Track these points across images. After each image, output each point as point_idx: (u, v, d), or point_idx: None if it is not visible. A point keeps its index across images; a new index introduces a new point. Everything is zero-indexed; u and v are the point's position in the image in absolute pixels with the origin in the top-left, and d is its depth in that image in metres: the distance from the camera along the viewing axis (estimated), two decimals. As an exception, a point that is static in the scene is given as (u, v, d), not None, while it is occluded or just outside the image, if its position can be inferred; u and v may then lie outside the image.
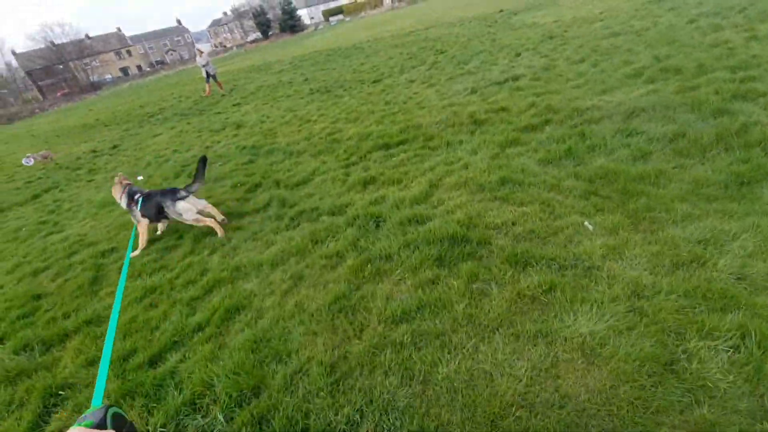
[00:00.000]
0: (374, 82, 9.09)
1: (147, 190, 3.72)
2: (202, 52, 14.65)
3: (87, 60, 60.59)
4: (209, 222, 3.48)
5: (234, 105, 11.56)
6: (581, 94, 4.69)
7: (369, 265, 2.47)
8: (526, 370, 1.59)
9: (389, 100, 7.03)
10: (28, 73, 57.22)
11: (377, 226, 2.94)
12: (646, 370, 1.49)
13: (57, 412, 2.03)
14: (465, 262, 2.27)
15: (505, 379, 1.58)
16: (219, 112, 10.99)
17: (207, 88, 14.47)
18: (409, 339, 1.86)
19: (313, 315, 2.20)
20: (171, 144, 8.52)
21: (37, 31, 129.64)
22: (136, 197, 3.61)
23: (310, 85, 11.10)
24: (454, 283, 2.13)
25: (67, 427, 0.92)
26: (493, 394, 1.54)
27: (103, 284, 3.30)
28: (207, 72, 14.12)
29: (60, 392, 2.14)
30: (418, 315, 1.99)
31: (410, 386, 1.65)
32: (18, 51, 60.19)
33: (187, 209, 3.46)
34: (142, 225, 3.63)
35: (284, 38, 47.25)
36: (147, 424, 1.77)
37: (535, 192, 2.88)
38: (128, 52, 70.95)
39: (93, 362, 2.31)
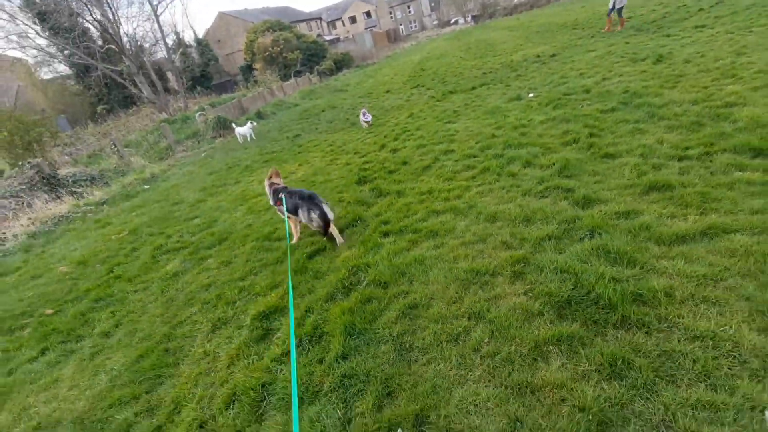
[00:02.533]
0: None
1: (290, 189, 4.07)
2: None
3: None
4: (335, 232, 3.84)
5: (696, 27, 9.72)
6: None
7: None
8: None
9: None
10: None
11: None
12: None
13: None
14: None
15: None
16: (667, 35, 9.74)
17: (607, 24, 13.01)
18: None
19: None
20: (586, 66, 9.01)
21: None
22: (279, 195, 3.98)
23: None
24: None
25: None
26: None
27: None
28: (614, 3, 12.40)
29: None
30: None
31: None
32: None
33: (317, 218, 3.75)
34: (292, 220, 4.02)
35: None
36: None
37: None
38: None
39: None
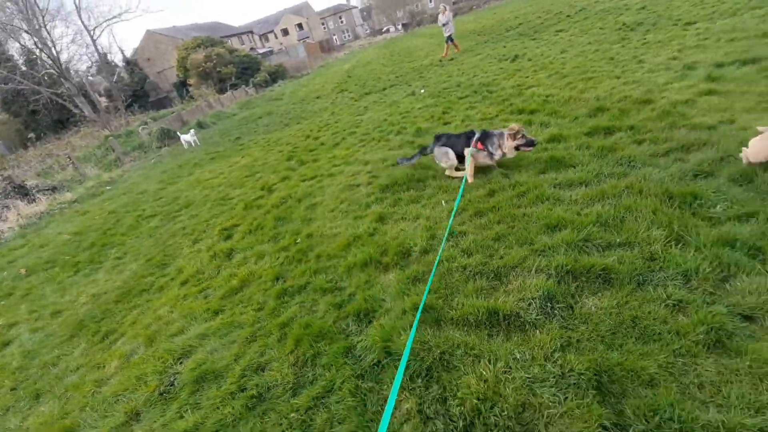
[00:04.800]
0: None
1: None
2: (446, 9, 15.29)
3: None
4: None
5: (557, 32, 13.05)
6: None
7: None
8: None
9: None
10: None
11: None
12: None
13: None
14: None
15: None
16: (534, 39, 13.00)
17: (455, 47, 15.42)
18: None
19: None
20: (468, 67, 11.93)
21: None
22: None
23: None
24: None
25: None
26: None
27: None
28: (447, 31, 15.07)
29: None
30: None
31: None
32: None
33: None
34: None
35: None
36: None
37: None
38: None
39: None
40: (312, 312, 3.08)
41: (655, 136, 4.01)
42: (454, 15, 42.65)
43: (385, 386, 2.22)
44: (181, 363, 3.02)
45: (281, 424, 2.22)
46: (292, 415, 2.23)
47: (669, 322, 2.00)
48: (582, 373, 1.86)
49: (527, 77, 8.34)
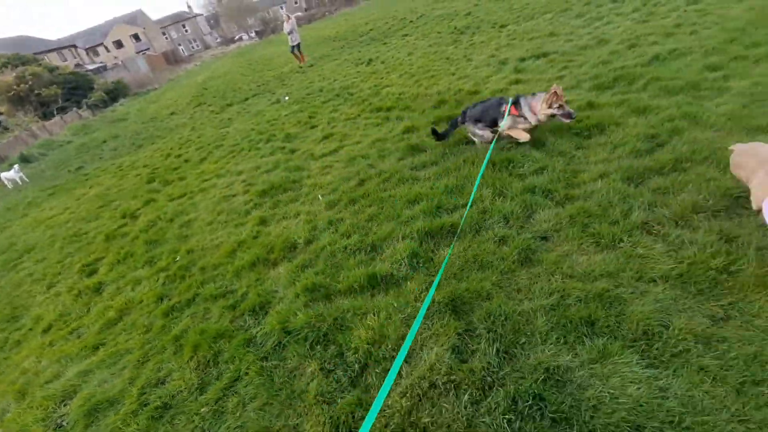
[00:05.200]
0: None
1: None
2: (289, 18, 15.01)
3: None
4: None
5: (403, 36, 14.42)
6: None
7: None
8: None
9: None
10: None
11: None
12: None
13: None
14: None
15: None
16: (385, 43, 14.17)
17: (297, 59, 15.48)
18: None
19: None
20: (328, 72, 12.49)
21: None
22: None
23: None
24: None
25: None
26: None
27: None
28: (291, 43, 15.02)
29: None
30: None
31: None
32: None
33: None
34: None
35: None
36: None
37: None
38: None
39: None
40: (206, 320, 3.15)
41: (483, 119, 4.97)
42: (309, 22, 43.41)
43: (289, 361, 2.48)
44: (65, 405, 2.81)
45: (193, 422, 2.32)
46: (203, 410, 2.35)
47: (497, 252, 2.68)
48: (442, 303, 2.40)
49: (382, 78, 9.19)
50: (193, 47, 66.54)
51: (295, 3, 71.35)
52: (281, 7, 65.83)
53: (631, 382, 1.72)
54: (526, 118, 3.92)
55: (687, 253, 2.18)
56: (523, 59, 6.79)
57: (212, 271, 3.76)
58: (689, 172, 2.83)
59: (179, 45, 64.81)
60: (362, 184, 4.37)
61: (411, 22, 16.86)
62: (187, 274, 3.88)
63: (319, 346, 2.48)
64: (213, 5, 72.08)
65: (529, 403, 1.75)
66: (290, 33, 15.11)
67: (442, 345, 2.18)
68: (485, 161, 3.35)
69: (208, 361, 2.69)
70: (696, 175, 2.75)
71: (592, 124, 3.90)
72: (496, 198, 3.25)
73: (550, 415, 1.70)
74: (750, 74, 3.88)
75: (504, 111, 3.97)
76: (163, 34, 65.45)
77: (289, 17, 15.46)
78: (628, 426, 1.58)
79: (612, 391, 1.71)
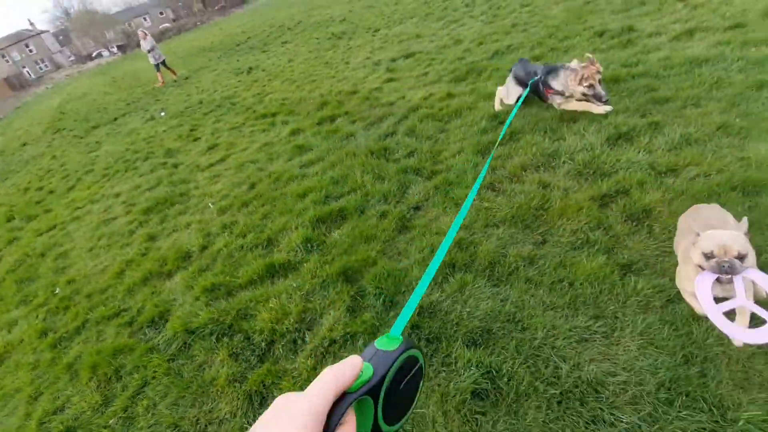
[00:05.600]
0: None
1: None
2: (146, 35, 14.12)
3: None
4: None
5: (283, 43, 14.46)
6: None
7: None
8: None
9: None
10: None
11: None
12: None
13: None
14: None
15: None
16: (264, 51, 14.09)
17: (160, 78, 14.34)
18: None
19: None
20: (207, 83, 12.06)
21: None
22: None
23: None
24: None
25: None
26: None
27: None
28: (155, 61, 13.99)
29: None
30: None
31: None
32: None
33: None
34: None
35: None
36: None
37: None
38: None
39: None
40: (100, 342, 3.04)
41: (362, 115, 5.43)
42: (179, 33, 40.76)
43: (197, 357, 2.58)
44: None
45: (102, 435, 2.30)
46: (111, 421, 2.34)
47: (378, 226, 3.09)
48: (335, 275, 2.72)
49: (264, 86, 9.25)
50: (41, 68, 57.92)
51: (161, 14, 66.38)
52: (145, 18, 60.82)
53: (482, 300, 2.22)
54: (562, 93, 3.54)
55: (517, 200, 2.81)
56: (394, 59, 7.45)
57: (100, 295, 3.59)
58: (521, 140, 3.55)
59: (24, 67, 55.98)
60: (253, 187, 4.50)
61: (289, 29, 17.01)
62: (71, 304, 3.64)
63: (225, 338, 2.62)
64: (61, 20, 63.62)
65: (409, 333, 2.15)
66: (150, 51, 13.88)
67: (339, 308, 2.49)
68: (493, 152, 3.76)
69: (110, 378, 2.64)
70: (525, 142, 3.48)
71: (452, 110, 4.56)
72: (375, 182, 3.68)
73: (425, 336, 2.12)
74: (561, 60, 4.90)
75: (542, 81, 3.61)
76: (3, 56, 55.93)
77: (145, 34, 14.24)
78: (480, 330, 2.06)
79: (469, 310, 2.18)
